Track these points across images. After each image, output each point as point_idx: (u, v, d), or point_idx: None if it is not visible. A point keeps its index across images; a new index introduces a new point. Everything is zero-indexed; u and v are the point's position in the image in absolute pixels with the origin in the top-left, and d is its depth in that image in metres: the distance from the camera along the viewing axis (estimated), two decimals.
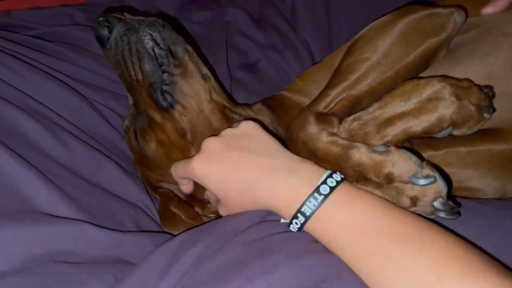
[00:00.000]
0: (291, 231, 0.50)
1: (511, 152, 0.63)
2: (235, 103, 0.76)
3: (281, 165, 0.51)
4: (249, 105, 0.78)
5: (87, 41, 0.86)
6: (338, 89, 0.60)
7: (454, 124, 0.56)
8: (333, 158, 0.53)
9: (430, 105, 0.55)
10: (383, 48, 0.61)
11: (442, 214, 0.49)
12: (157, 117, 0.67)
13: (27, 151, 0.56)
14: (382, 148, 0.51)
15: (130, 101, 0.72)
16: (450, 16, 0.64)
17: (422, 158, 0.50)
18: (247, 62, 0.98)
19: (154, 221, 0.68)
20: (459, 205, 0.50)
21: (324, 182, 0.48)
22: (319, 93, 0.63)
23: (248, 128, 0.58)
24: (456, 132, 0.57)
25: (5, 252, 0.44)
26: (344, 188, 0.48)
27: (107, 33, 0.66)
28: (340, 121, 0.59)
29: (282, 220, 0.52)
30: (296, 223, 0.48)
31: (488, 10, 0.70)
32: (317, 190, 0.47)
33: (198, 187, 0.67)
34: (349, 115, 0.60)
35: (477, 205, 0.57)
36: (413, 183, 0.48)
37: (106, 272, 0.49)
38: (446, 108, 0.55)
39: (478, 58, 0.66)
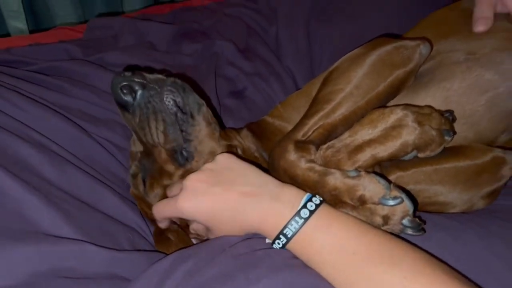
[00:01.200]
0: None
1: (475, 167, 0.68)
2: (223, 128, 0.81)
3: (265, 192, 0.56)
4: (237, 131, 0.83)
5: (83, 74, 0.91)
6: (315, 118, 0.65)
7: (417, 148, 0.61)
8: (311, 184, 0.58)
9: (394, 132, 0.61)
10: (355, 80, 0.67)
11: (410, 231, 0.54)
12: (170, 169, 0.71)
13: (29, 176, 0.60)
14: (354, 173, 0.57)
15: (138, 148, 0.74)
16: (416, 48, 0.70)
17: (389, 181, 0.56)
18: (235, 89, 1.04)
19: (148, 241, 0.72)
20: (424, 222, 0.55)
21: (304, 206, 0.53)
22: (298, 122, 0.68)
23: (225, 160, 0.62)
24: (421, 155, 0.62)
25: (11, 269, 0.48)
26: (323, 211, 0.53)
27: (132, 99, 0.67)
28: (317, 148, 0.64)
29: (267, 240, 0.56)
30: (278, 243, 0.53)
31: (479, 28, 0.76)
32: (298, 214, 0.52)
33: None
34: (326, 141, 0.65)
35: (443, 220, 0.62)
36: (383, 204, 0.54)
37: (104, 287, 0.53)
38: (409, 134, 0.60)
39: (435, 86, 0.73)
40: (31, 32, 1.30)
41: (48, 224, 0.55)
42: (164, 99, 0.67)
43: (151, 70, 0.72)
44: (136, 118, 0.68)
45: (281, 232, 0.52)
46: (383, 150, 0.61)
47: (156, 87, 0.67)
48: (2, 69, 0.84)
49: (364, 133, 0.63)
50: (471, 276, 0.50)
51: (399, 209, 0.54)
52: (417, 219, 0.54)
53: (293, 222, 0.52)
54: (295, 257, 0.53)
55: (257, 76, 1.06)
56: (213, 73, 1.02)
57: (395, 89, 0.69)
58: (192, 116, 0.70)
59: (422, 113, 0.63)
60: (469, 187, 0.68)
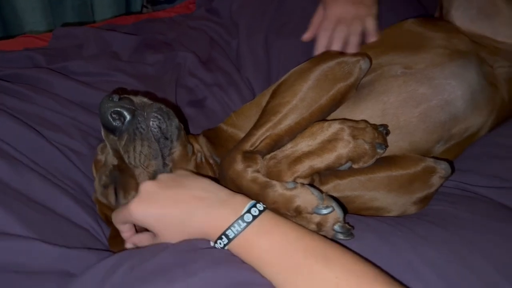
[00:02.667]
0: None
1: (407, 176, 0.73)
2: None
3: (214, 198, 0.59)
4: (195, 137, 0.88)
5: (46, 82, 0.94)
6: (263, 129, 0.71)
7: (351, 159, 0.67)
8: (254, 196, 0.63)
9: (330, 146, 0.67)
10: (300, 93, 0.73)
11: (340, 236, 0.60)
12: None
13: None
14: (291, 185, 0.62)
15: (111, 160, 0.76)
16: (356, 63, 0.77)
17: (322, 192, 0.62)
18: (195, 99, 1.08)
19: (101, 242, 0.75)
20: (353, 227, 0.61)
21: (248, 211, 0.56)
22: (247, 133, 0.73)
23: (182, 172, 0.66)
24: (355, 166, 0.68)
25: None
26: (266, 217, 0.57)
27: (121, 124, 0.70)
28: (263, 157, 0.69)
29: (211, 244, 0.59)
30: (220, 243, 0.56)
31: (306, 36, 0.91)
32: (241, 217, 0.56)
33: None
34: (272, 151, 0.70)
35: (375, 223, 0.68)
36: (317, 213, 0.60)
37: (51, 281, 0.57)
38: (343, 148, 0.66)
39: (374, 98, 0.79)
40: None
41: (0, 223, 0.58)
42: (151, 125, 0.71)
43: (135, 93, 0.75)
44: (122, 142, 0.71)
45: (224, 233, 0.55)
46: (320, 162, 0.67)
47: (144, 113, 0.71)
48: None
49: (304, 145, 0.68)
50: (395, 274, 0.55)
51: (330, 216, 0.60)
52: (347, 225, 0.60)
53: (235, 225, 0.55)
54: (234, 254, 0.57)
55: (217, 87, 1.11)
56: (174, 83, 1.06)
57: (337, 102, 0.75)
58: (171, 141, 0.74)
59: (357, 127, 0.68)
60: (401, 193, 0.74)
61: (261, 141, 0.70)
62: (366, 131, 0.69)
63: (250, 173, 0.65)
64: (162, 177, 0.63)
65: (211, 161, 0.84)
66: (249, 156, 0.68)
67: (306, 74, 0.75)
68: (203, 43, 1.21)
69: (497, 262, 0.63)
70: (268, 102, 0.77)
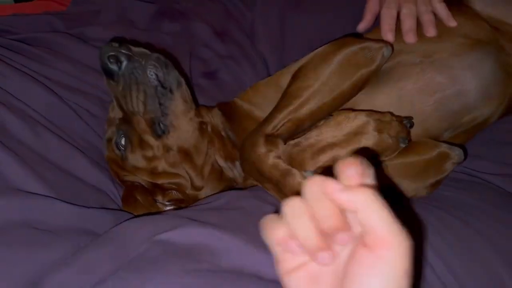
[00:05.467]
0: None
1: (423, 162, 0.75)
2: (196, 105, 0.87)
3: None
4: (209, 109, 0.89)
5: (64, 46, 0.95)
6: (284, 112, 0.72)
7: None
8: (275, 182, 0.66)
9: (355, 138, 0.68)
10: (323, 77, 0.73)
11: None
12: (150, 140, 0.77)
13: (6, 139, 0.66)
14: (310, 174, 0.64)
15: (117, 114, 0.81)
16: (379, 50, 0.77)
17: None
18: (208, 70, 1.09)
19: (117, 204, 0.78)
20: None
21: None
22: (268, 115, 0.74)
23: None
24: None
25: None
26: None
27: (117, 69, 0.73)
28: (285, 141, 0.71)
29: None
30: None
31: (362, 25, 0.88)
32: None
33: (163, 175, 0.78)
34: (293, 134, 0.72)
35: None
36: None
37: (70, 239, 0.60)
38: (368, 142, 0.68)
39: (392, 84, 0.80)
40: (16, 1, 1.33)
41: (22, 182, 0.61)
42: (147, 72, 0.74)
43: (136, 44, 0.78)
44: (120, 87, 0.74)
45: None
46: (343, 154, 0.68)
47: (141, 60, 0.74)
48: None
49: (328, 135, 0.69)
50: None
51: None
52: None
53: None
54: None
55: (230, 59, 1.11)
56: (188, 53, 1.07)
57: (358, 87, 0.76)
58: (171, 91, 0.76)
59: (383, 120, 0.69)
60: (416, 179, 0.76)
61: (283, 125, 0.72)
62: (392, 125, 0.70)
63: (271, 158, 0.67)
64: None
65: (223, 133, 0.86)
66: (271, 140, 0.69)
67: (329, 58, 0.75)
68: (218, 13, 1.20)
69: (504, 254, 0.64)
70: (289, 84, 0.78)
